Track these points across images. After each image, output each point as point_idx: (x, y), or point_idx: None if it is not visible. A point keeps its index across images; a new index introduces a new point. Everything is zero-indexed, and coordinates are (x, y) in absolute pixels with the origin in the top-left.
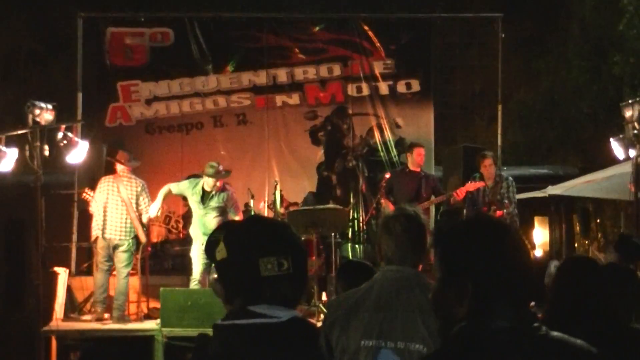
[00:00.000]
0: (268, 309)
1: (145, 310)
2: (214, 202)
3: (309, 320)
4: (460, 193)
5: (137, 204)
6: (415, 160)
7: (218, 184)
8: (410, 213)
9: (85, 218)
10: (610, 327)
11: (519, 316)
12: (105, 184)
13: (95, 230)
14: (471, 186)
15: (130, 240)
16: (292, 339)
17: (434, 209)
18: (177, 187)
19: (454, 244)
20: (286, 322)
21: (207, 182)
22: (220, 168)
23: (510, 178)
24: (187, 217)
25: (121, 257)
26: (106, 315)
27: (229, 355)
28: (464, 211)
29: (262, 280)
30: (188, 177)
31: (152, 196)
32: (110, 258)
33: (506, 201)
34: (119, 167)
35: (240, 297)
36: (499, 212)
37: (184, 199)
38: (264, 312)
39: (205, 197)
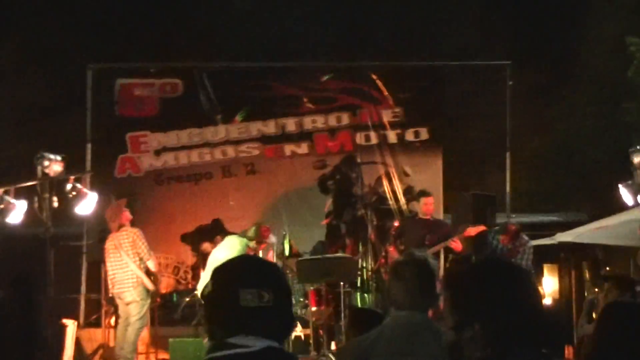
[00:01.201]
0: (244, 339)
1: None
2: None
3: (286, 351)
4: (457, 240)
5: (137, 253)
6: (422, 210)
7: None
8: (419, 258)
9: (94, 270)
10: None
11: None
12: (108, 243)
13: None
14: (472, 231)
15: (135, 291)
16: None
17: (442, 256)
18: None
19: (464, 288)
20: (259, 351)
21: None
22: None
23: (530, 243)
24: (195, 267)
25: (130, 309)
26: None
27: None
28: (473, 258)
29: (242, 311)
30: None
31: (162, 245)
32: (126, 312)
33: None
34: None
35: (221, 330)
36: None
37: (194, 249)
38: (239, 343)
39: None
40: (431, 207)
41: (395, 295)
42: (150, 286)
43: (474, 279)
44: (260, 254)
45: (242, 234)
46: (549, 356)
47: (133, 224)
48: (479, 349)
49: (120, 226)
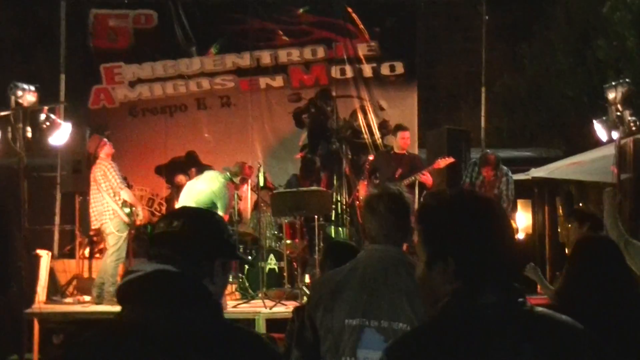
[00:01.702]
0: (141, 265)
1: None
2: None
3: (175, 271)
4: (426, 174)
5: (110, 186)
6: (399, 144)
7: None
8: (393, 192)
9: (68, 201)
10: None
11: (505, 292)
12: (90, 176)
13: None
14: (441, 163)
15: (112, 223)
16: (148, 289)
17: (417, 191)
18: None
19: (437, 221)
20: (145, 275)
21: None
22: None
23: (510, 173)
24: (169, 199)
25: (107, 240)
26: (87, 298)
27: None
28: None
29: (152, 237)
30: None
31: (136, 177)
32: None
33: (505, 200)
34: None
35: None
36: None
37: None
38: (135, 268)
39: None
40: (408, 141)
41: (369, 228)
42: (125, 218)
43: (447, 212)
44: (235, 196)
45: (225, 170)
46: (521, 290)
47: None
48: (450, 283)
49: (95, 159)
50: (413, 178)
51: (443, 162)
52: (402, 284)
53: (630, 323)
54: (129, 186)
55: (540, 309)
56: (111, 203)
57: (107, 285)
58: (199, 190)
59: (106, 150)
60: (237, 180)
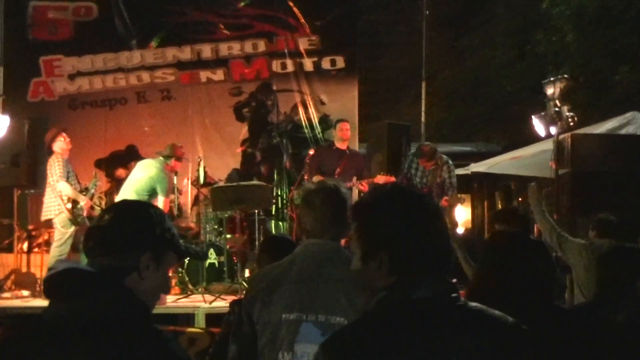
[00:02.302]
0: (58, 262)
1: None
2: None
3: (84, 269)
4: (364, 185)
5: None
6: (339, 135)
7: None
8: (330, 186)
9: (6, 195)
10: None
11: (438, 286)
12: None
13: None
14: (380, 179)
15: (57, 219)
16: (57, 287)
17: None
18: None
19: (371, 216)
20: (57, 273)
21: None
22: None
23: (450, 161)
24: (110, 193)
25: (54, 235)
26: (25, 293)
27: None
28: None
29: (89, 230)
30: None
31: (76, 171)
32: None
33: (449, 187)
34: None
35: None
36: (443, 199)
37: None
38: (53, 266)
39: None
40: (348, 132)
41: (305, 223)
42: (67, 214)
43: (380, 208)
44: (175, 181)
45: (158, 154)
46: (454, 285)
47: (44, 149)
48: (385, 278)
49: (49, 153)
50: (351, 184)
51: (382, 179)
52: (338, 278)
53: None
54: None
55: (474, 304)
56: (55, 197)
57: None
58: (136, 179)
59: (60, 145)
60: (171, 161)
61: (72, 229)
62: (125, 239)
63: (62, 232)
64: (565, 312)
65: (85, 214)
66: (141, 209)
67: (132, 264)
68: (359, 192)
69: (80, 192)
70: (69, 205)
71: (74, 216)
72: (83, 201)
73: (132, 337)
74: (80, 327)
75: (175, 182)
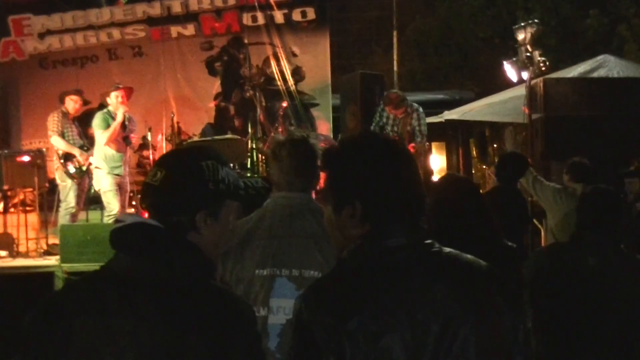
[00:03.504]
0: (127, 216)
1: (45, 247)
2: None
3: (152, 224)
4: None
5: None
6: None
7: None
8: (297, 138)
9: None
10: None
11: (413, 233)
12: None
13: None
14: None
15: (57, 173)
16: (125, 240)
17: None
18: None
19: (342, 165)
20: (125, 226)
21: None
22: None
23: (421, 109)
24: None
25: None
26: (2, 253)
27: None
28: None
29: (143, 186)
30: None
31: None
32: None
33: (418, 135)
34: None
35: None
36: (410, 146)
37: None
38: (121, 219)
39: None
40: None
41: (273, 175)
42: (61, 167)
43: (351, 155)
44: (149, 137)
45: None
46: (427, 230)
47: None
48: (358, 226)
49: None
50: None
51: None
52: (309, 230)
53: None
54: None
55: (448, 249)
56: (54, 154)
57: None
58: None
59: (70, 104)
60: (112, 107)
61: (70, 182)
62: (177, 201)
63: (62, 186)
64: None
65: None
66: (193, 164)
67: (188, 225)
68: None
69: (81, 147)
70: (62, 160)
71: (68, 169)
72: (78, 154)
73: (197, 292)
74: (147, 280)
75: (149, 138)
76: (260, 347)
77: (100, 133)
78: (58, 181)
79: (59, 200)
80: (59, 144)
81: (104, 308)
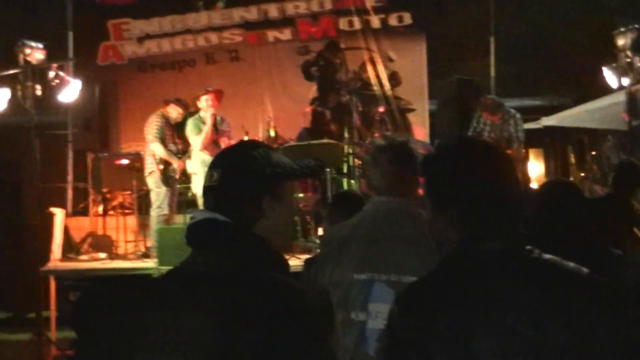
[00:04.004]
0: (199, 212)
1: (143, 249)
2: None
3: (221, 219)
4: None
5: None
6: None
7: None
8: (396, 143)
9: (80, 158)
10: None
11: (510, 239)
12: None
13: None
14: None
15: (150, 179)
16: (197, 235)
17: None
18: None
19: (439, 171)
20: (196, 222)
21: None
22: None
23: (518, 115)
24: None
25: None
26: (102, 255)
27: None
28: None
29: (204, 190)
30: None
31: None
32: None
33: (515, 141)
34: None
35: None
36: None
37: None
38: (192, 215)
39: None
40: None
41: (373, 180)
42: (158, 174)
43: (447, 161)
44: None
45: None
46: (525, 236)
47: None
48: (455, 231)
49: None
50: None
51: None
52: (408, 235)
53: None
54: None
55: (548, 256)
56: (149, 158)
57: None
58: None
59: (173, 110)
60: (203, 111)
61: (164, 189)
62: (241, 194)
63: (156, 193)
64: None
65: (177, 176)
66: (245, 156)
67: (256, 215)
68: None
69: (176, 154)
70: (161, 167)
71: (165, 177)
72: (175, 163)
73: (265, 286)
74: (213, 274)
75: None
76: (330, 348)
77: (194, 139)
78: (152, 186)
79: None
80: (159, 151)
81: (170, 303)
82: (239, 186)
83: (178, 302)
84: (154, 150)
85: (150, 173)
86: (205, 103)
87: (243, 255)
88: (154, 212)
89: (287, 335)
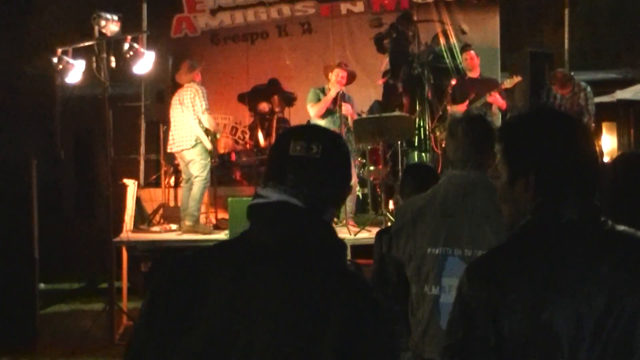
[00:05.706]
0: (269, 191)
1: (214, 221)
2: None
3: (298, 205)
4: (494, 95)
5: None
6: (465, 65)
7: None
8: (473, 115)
9: (152, 130)
10: None
11: (586, 209)
12: (174, 97)
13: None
14: (506, 83)
15: (194, 150)
16: (271, 217)
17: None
18: None
19: (518, 138)
20: (270, 203)
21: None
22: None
23: (589, 88)
24: (253, 127)
25: (191, 169)
26: (173, 227)
27: None
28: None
29: (289, 160)
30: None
31: (219, 105)
32: (188, 172)
33: (585, 114)
34: (185, 78)
35: (270, 180)
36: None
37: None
38: (263, 194)
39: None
40: (472, 61)
41: (449, 153)
42: (208, 145)
43: (527, 129)
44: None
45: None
46: (600, 207)
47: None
48: (532, 200)
49: (190, 81)
50: (482, 100)
51: (509, 83)
52: (482, 209)
53: None
54: None
55: (622, 227)
56: (195, 128)
57: (190, 210)
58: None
59: (199, 77)
60: (330, 83)
61: (209, 159)
62: (337, 179)
63: (202, 164)
64: None
65: (225, 148)
66: (340, 138)
67: (338, 196)
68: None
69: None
70: (212, 138)
71: (213, 148)
72: (219, 135)
73: (332, 274)
74: (283, 257)
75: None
76: (393, 340)
77: (309, 107)
78: (195, 157)
79: (176, 177)
80: (209, 124)
81: (239, 272)
82: (341, 166)
83: (251, 276)
84: (205, 122)
85: (195, 144)
86: (335, 77)
87: (312, 244)
88: (200, 184)
89: (360, 339)
